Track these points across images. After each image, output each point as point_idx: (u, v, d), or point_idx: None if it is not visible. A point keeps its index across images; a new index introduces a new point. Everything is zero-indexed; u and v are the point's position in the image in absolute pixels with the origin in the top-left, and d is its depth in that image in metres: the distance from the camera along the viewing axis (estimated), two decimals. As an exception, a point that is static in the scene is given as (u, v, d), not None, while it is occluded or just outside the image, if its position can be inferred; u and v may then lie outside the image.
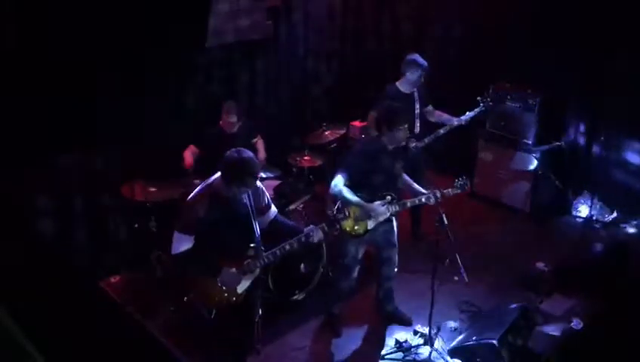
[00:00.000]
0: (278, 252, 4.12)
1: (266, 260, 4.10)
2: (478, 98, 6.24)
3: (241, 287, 4.07)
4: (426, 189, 5.00)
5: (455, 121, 6.09)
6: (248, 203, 4.04)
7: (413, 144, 4.91)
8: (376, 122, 4.95)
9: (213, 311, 4.10)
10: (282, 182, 6.07)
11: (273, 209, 4.32)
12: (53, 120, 5.05)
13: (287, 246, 4.12)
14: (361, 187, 4.80)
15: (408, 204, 5.02)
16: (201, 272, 4.03)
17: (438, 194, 4.86)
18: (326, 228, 4.23)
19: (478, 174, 7.24)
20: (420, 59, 5.85)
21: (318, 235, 4.16)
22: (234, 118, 5.73)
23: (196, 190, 4.02)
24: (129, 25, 5.32)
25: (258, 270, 4.11)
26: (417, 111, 5.98)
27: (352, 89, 7.94)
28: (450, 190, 4.97)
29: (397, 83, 5.96)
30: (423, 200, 4.92)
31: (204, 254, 3.93)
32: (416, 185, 5.06)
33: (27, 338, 2.13)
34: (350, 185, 4.76)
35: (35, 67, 4.92)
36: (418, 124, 6.00)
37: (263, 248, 4.09)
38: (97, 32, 5.16)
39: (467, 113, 6.16)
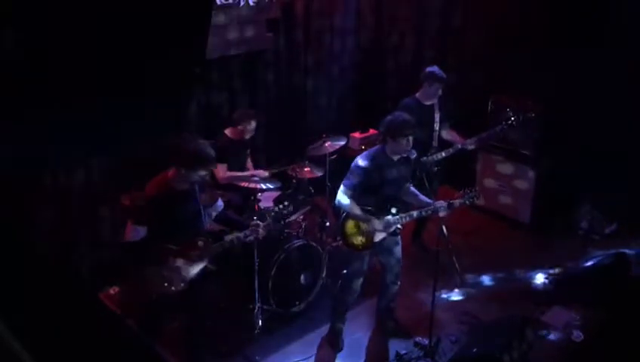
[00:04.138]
0: (225, 244, 4.33)
1: (213, 252, 4.27)
2: (510, 115, 6.11)
3: (188, 275, 4.20)
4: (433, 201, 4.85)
5: (459, 145, 6.01)
6: (198, 196, 4.21)
7: (414, 155, 4.87)
8: (381, 130, 4.83)
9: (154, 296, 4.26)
10: (282, 193, 6.06)
11: (220, 202, 4.50)
12: (52, 127, 5.04)
13: (235, 240, 4.36)
14: (367, 199, 4.74)
15: (415, 215, 4.89)
16: (149, 261, 4.15)
17: (446, 206, 4.76)
18: (271, 225, 4.49)
19: (478, 186, 7.24)
20: (439, 72, 5.89)
21: (261, 232, 4.40)
22: (255, 124, 5.84)
23: (151, 182, 4.19)
24: (129, 34, 5.33)
25: (206, 260, 4.26)
26: (437, 123, 5.99)
27: (352, 100, 7.96)
28: (458, 201, 4.84)
29: (417, 94, 5.99)
30: (430, 211, 4.81)
31: (154, 244, 4.09)
32: (422, 196, 4.92)
33: (24, 349, 2.13)
34: (355, 197, 4.72)
35: (35, 70, 4.93)
36: (436, 137, 6.00)
37: (210, 240, 4.28)
38: (97, 40, 5.17)
39: (480, 135, 6.05)
